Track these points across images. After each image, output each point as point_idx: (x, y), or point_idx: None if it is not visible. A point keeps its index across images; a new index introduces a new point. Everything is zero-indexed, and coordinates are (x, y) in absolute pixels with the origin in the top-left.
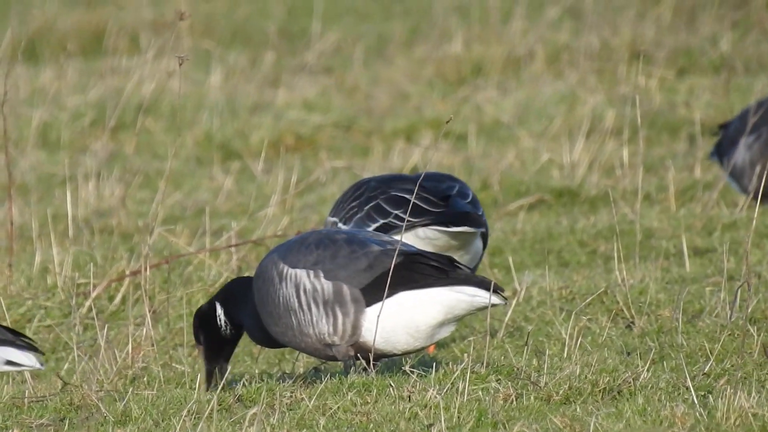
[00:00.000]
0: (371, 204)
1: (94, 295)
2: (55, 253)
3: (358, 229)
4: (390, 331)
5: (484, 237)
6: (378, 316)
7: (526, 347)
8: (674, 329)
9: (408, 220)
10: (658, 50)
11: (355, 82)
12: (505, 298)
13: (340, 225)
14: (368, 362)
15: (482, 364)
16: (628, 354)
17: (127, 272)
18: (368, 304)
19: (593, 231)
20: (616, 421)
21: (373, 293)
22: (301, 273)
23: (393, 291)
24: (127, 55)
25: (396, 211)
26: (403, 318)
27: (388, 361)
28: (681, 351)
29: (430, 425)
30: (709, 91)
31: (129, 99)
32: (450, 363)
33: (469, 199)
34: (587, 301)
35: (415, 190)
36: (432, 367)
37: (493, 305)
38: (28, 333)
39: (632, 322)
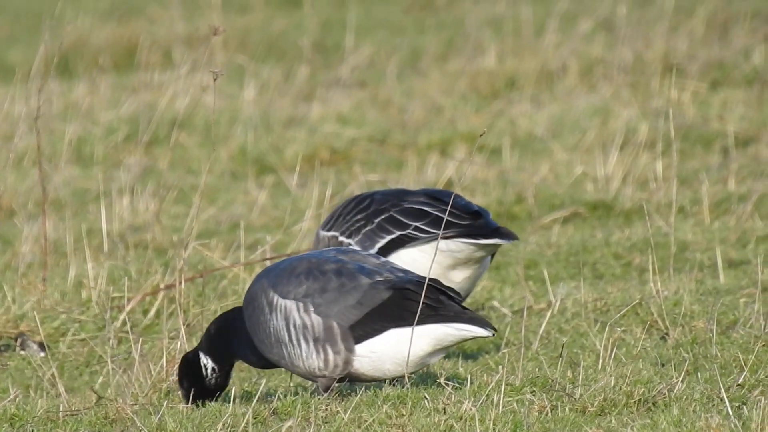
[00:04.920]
0: (383, 216)
1: (128, 308)
2: (89, 267)
3: (349, 250)
4: (377, 361)
5: (492, 254)
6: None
7: (560, 359)
8: (708, 340)
9: (433, 232)
10: (691, 63)
11: (389, 95)
12: (495, 329)
13: (341, 239)
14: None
15: (517, 375)
16: (663, 365)
17: (162, 286)
18: (358, 341)
19: (628, 244)
20: None
21: (363, 330)
22: (291, 305)
23: (383, 328)
24: (161, 70)
25: (416, 223)
26: (393, 351)
27: (422, 374)
28: (715, 362)
29: None
30: (742, 104)
31: (162, 114)
32: (485, 375)
33: (489, 215)
34: (622, 312)
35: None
36: (467, 380)
37: (482, 337)
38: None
39: (666, 334)
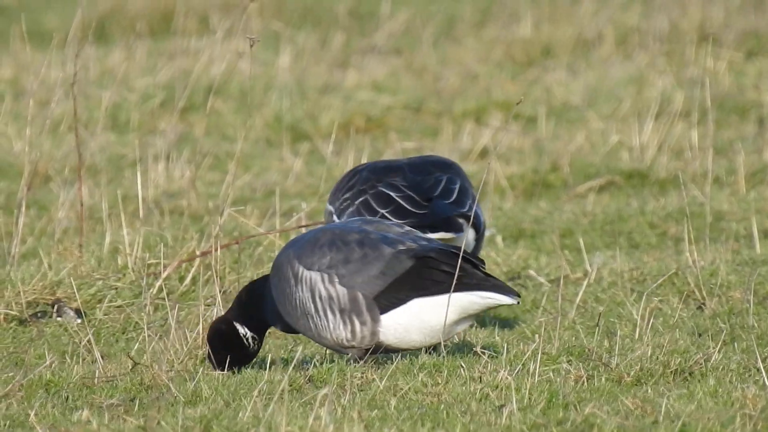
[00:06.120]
0: (361, 199)
1: (164, 275)
2: (125, 233)
3: (373, 220)
4: (404, 332)
5: (477, 225)
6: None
7: (597, 328)
8: (745, 310)
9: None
10: (727, 32)
11: (425, 63)
12: (519, 296)
13: (334, 218)
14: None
15: (553, 345)
16: (700, 335)
17: (198, 253)
18: (383, 311)
19: (663, 213)
20: (687, 403)
21: (387, 300)
22: (316, 276)
23: (407, 298)
24: (197, 36)
25: (383, 210)
26: (418, 320)
27: (458, 342)
28: (752, 332)
29: (501, 406)
30: None
31: (198, 80)
32: (521, 344)
33: (452, 198)
34: (658, 282)
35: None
36: (503, 348)
37: (507, 305)
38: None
39: (703, 304)
